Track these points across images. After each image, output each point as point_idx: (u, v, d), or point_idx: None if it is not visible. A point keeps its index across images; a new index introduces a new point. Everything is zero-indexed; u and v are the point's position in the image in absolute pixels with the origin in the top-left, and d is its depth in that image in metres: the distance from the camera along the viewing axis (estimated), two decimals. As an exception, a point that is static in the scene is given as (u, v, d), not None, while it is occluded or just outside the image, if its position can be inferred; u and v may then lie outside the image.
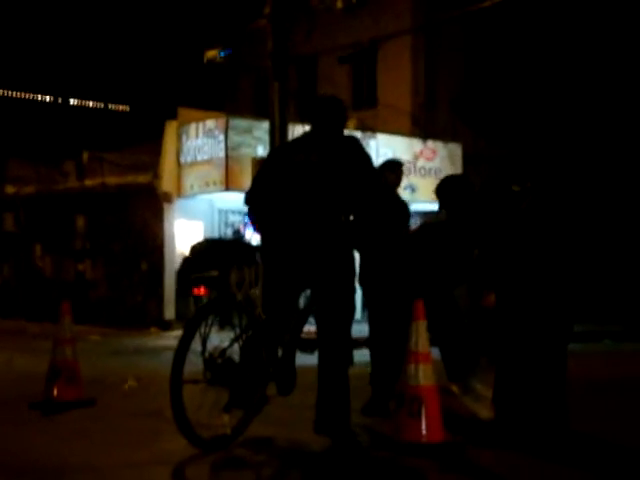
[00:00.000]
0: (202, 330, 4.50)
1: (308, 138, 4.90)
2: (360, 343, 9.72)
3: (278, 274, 4.71)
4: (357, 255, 5.26)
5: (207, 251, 4.89)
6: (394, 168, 6.23)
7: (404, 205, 6.15)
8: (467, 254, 5.82)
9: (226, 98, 21.98)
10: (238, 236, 13.79)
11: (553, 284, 5.00)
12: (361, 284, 5.92)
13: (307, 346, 4.89)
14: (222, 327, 4.90)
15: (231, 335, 4.67)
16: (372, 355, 5.91)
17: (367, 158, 4.79)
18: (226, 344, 4.58)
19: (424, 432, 4.46)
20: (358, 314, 17.09)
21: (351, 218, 4.85)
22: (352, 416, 4.76)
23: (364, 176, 4.73)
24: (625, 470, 4.34)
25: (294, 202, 4.68)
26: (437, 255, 5.89)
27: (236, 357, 4.61)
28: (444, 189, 5.98)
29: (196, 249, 4.90)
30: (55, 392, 5.93)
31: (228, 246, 5.10)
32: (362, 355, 6.31)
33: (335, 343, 4.68)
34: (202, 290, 5.42)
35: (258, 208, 4.84)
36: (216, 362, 4.50)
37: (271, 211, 4.77)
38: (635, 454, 4.65)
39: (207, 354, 4.50)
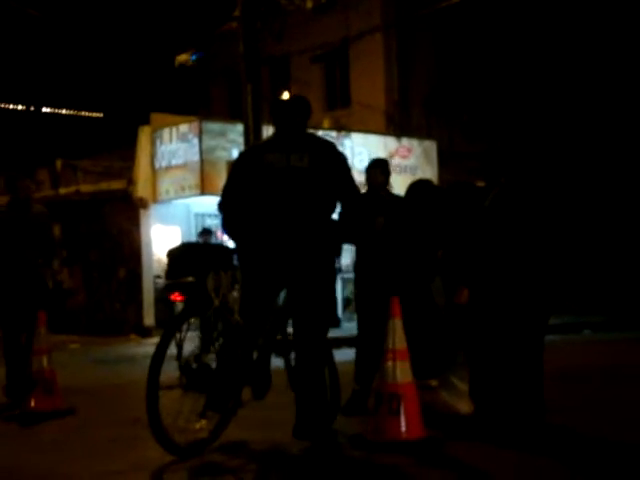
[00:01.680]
0: (178, 336, 4.47)
1: (282, 140, 4.85)
2: (340, 342, 9.72)
3: (255, 277, 4.68)
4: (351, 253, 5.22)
5: (183, 256, 4.86)
6: (382, 166, 6.25)
7: (399, 199, 6.17)
8: (434, 252, 5.89)
9: (199, 102, 21.91)
10: (205, 238, 13.70)
11: (524, 277, 5.01)
12: (355, 284, 6.08)
13: (282, 349, 4.85)
14: (202, 333, 4.87)
15: (206, 340, 4.63)
16: (358, 353, 5.93)
17: (345, 162, 4.81)
18: (201, 349, 4.55)
19: (403, 429, 4.46)
20: (339, 314, 16.94)
21: (336, 220, 4.83)
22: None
23: (343, 180, 4.74)
24: (598, 460, 4.37)
25: (271, 204, 4.65)
26: (406, 251, 5.93)
27: (211, 362, 4.58)
28: (412, 193, 6.11)
29: (172, 254, 4.87)
30: (32, 403, 5.88)
31: (205, 251, 5.08)
32: (343, 354, 6.31)
33: (312, 346, 4.65)
34: (178, 296, 5.39)
35: (232, 214, 4.79)
36: (191, 367, 4.48)
37: (248, 214, 4.73)
38: (610, 444, 4.68)
39: (183, 360, 4.47)
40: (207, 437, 4.59)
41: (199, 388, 4.50)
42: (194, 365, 4.49)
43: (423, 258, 5.96)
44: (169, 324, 4.65)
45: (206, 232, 14.08)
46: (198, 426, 4.54)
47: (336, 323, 4.98)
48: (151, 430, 4.33)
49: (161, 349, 4.36)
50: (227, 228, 4.84)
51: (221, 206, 4.84)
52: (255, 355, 4.71)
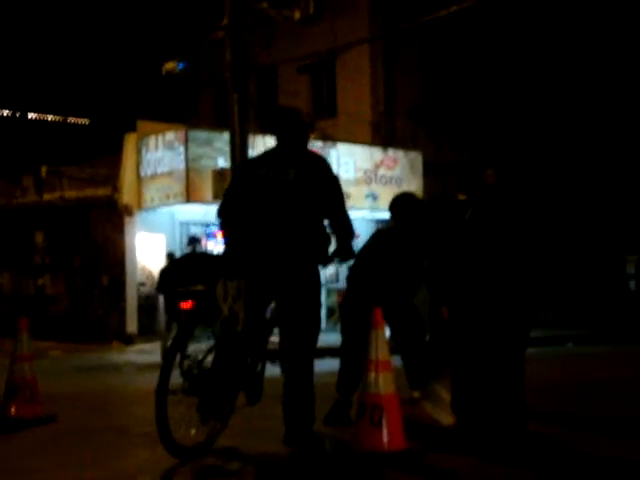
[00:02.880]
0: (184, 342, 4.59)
1: (278, 154, 4.95)
2: (323, 352, 9.72)
3: (254, 286, 4.75)
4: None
5: (194, 265, 4.97)
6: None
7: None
8: (418, 263, 5.95)
9: (186, 110, 21.92)
10: (193, 246, 13.73)
11: (504, 289, 5.05)
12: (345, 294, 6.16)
13: (275, 357, 4.94)
14: (208, 339, 4.95)
15: (204, 346, 4.70)
16: (341, 364, 5.96)
17: (335, 180, 4.89)
18: (203, 355, 4.65)
19: (385, 440, 4.48)
20: (323, 324, 17.05)
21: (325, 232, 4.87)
22: (315, 425, 4.78)
23: (329, 195, 4.82)
24: (579, 472, 4.40)
25: (256, 216, 4.76)
26: (390, 262, 5.98)
27: (211, 368, 4.66)
28: (395, 206, 6.16)
29: (182, 263, 4.97)
30: (13, 410, 5.84)
31: (214, 260, 5.17)
32: (323, 364, 6.32)
33: (298, 355, 4.73)
34: (189, 304, 5.49)
35: (229, 222, 4.90)
36: (193, 372, 4.57)
37: (240, 225, 4.82)
38: (589, 456, 4.71)
39: (185, 365, 4.57)
40: (205, 441, 4.68)
41: (200, 393, 4.60)
42: (195, 371, 4.59)
43: (408, 270, 6.01)
44: (179, 331, 4.72)
45: (194, 240, 14.07)
46: (197, 430, 4.62)
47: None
48: (158, 432, 4.39)
49: (171, 355, 4.49)
50: (224, 235, 4.95)
51: (219, 212, 4.98)
52: (249, 361, 4.81)
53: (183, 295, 5.19)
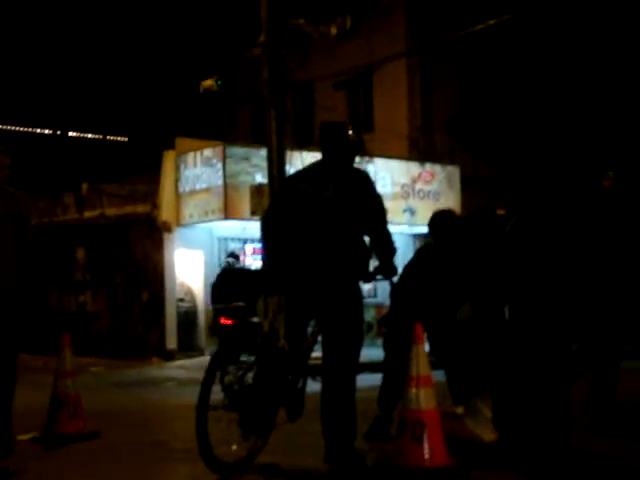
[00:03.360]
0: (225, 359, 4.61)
1: (320, 169, 4.94)
2: (361, 367, 9.66)
3: (294, 302, 4.76)
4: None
5: (234, 281, 4.99)
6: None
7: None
8: (459, 280, 5.90)
9: (224, 127, 22.11)
10: (232, 261, 13.79)
11: (547, 304, 4.99)
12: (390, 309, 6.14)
13: (316, 373, 4.92)
14: (247, 354, 4.97)
15: (249, 362, 4.73)
16: (384, 379, 5.94)
17: (377, 196, 4.87)
18: (244, 371, 4.67)
19: (427, 457, 4.43)
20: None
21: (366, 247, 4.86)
22: (356, 441, 4.76)
23: (369, 212, 4.80)
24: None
25: (304, 233, 4.75)
26: (433, 278, 5.94)
27: (252, 384, 4.67)
28: (434, 223, 6.14)
29: (221, 280, 4.99)
30: (57, 425, 5.91)
31: (254, 276, 5.18)
32: (364, 380, 6.29)
33: (340, 372, 4.69)
34: (229, 320, 5.51)
35: (270, 237, 4.91)
36: (233, 388, 4.59)
37: (281, 240, 4.82)
38: (633, 473, 4.62)
39: (226, 381, 4.59)
40: (246, 457, 4.69)
41: (240, 409, 4.60)
42: (236, 386, 4.60)
43: (450, 286, 5.96)
44: (220, 346, 4.74)
45: (233, 256, 14.17)
46: (238, 446, 4.64)
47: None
48: (199, 447, 4.40)
49: (212, 370, 4.52)
50: (265, 251, 4.96)
51: (262, 226, 5.03)
52: (290, 377, 4.80)
53: (223, 311, 5.23)
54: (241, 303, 4.91)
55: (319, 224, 4.71)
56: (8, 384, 5.21)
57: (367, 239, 4.86)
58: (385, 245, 4.84)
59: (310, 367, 4.94)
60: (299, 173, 5.19)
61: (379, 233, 4.82)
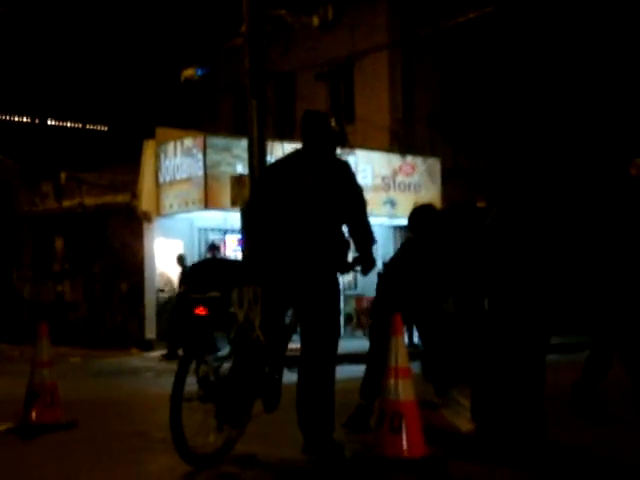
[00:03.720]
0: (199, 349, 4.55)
1: (300, 158, 4.91)
2: (340, 359, 9.69)
3: (271, 293, 4.73)
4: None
5: (208, 270, 4.94)
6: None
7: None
8: (441, 273, 5.93)
9: (204, 117, 22.00)
10: (213, 253, 13.74)
11: (524, 296, 5.03)
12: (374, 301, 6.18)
13: (292, 364, 4.90)
14: (223, 346, 4.93)
15: (224, 353, 4.69)
16: (367, 369, 5.95)
17: (357, 187, 4.85)
18: (219, 362, 4.62)
19: (405, 447, 4.45)
20: (341, 330, 16.91)
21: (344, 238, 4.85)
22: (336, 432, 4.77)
23: (354, 203, 4.78)
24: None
25: (284, 222, 4.72)
26: (417, 271, 5.96)
27: (227, 375, 4.63)
28: (414, 218, 6.16)
29: (197, 269, 4.95)
30: (33, 415, 5.87)
31: (229, 266, 5.15)
32: (344, 371, 6.31)
33: (317, 363, 4.68)
34: (203, 310, 5.45)
35: (249, 226, 4.89)
36: (209, 380, 4.54)
37: (262, 230, 4.81)
38: (608, 463, 4.67)
39: (201, 372, 4.53)
40: (221, 449, 4.66)
41: (216, 400, 4.57)
42: (212, 377, 4.56)
43: (433, 279, 5.98)
44: (193, 337, 4.71)
45: (213, 247, 14.13)
46: (214, 438, 4.60)
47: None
48: (173, 440, 4.38)
49: (185, 361, 4.47)
50: (245, 241, 4.96)
51: (246, 212, 5.03)
52: (267, 368, 4.78)
53: (197, 301, 5.17)
54: (215, 293, 4.83)
55: (298, 214, 4.69)
56: None
57: (346, 230, 4.85)
58: (364, 236, 4.83)
59: (287, 358, 4.93)
60: (279, 162, 5.17)
61: (358, 223, 4.82)
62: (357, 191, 4.83)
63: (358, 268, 4.89)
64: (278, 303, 4.76)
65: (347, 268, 4.85)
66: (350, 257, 4.86)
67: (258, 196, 4.96)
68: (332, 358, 4.77)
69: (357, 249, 4.88)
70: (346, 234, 4.83)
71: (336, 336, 4.79)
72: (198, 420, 4.49)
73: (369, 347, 6.05)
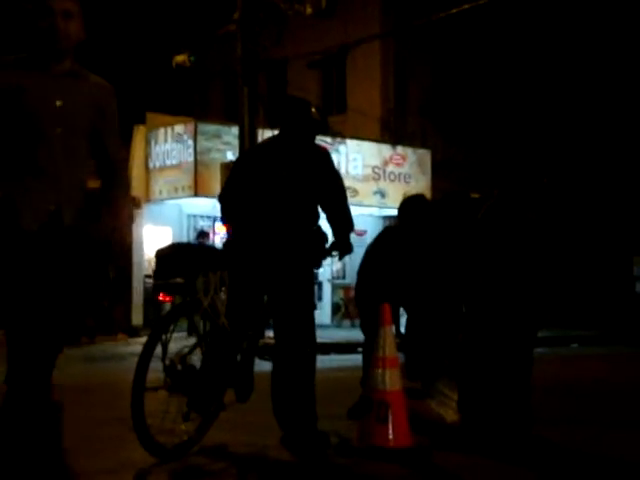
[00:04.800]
0: (164, 337, 4.42)
1: (277, 144, 4.85)
2: (328, 348, 9.70)
3: (241, 279, 4.69)
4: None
5: (173, 257, 4.83)
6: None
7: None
8: (426, 263, 5.91)
9: (195, 103, 21.92)
10: (202, 240, 13.71)
11: (514, 289, 5.04)
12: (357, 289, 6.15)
13: (266, 353, 4.84)
14: (189, 334, 4.86)
15: (192, 341, 4.61)
16: (364, 359, 5.94)
17: (336, 175, 4.82)
18: (187, 350, 4.52)
19: (391, 437, 4.47)
20: (328, 320, 16.95)
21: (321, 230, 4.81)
22: (333, 421, 4.70)
23: (331, 190, 4.75)
24: (582, 474, 4.38)
25: (259, 210, 4.67)
26: (398, 260, 5.95)
27: (197, 364, 4.55)
28: (404, 208, 6.14)
29: (161, 254, 4.83)
30: (19, 399, 5.83)
31: (194, 251, 5.04)
32: (330, 360, 6.31)
33: (289, 353, 4.62)
34: (166, 296, 5.34)
35: (229, 210, 4.83)
36: (176, 368, 4.44)
37: (237, 217, 4.76)
38: (593, 458, 4.70)
39: (168, 360, 4.43)
40: (190, 439, 4.57)
41: (184, 390, 4.48)
42: (179, 366, 4.45)
43: (417, 268, 5.97)
44: (156, 324, 4.62)
45: (202, 234, 14.10)
46: (182, 428, 4.52)
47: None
48: (135, 431, 4.31)
49: (148, 349, 4.33)
50: (224, 221, 4.89)
51: (220, 198, 4.90)
52: (239, 358, 4.71)
53: (162, 288, 5.05)
54: (179, 279, 4.70)
55: (273, 202, 4.63)
56: None
57: (324, 217, 4.81)
58: (342, 222, 4.79)
59: (260, 347, 4.86)
60: (256, 148, 5.10)
61: (336, 210, 4.77)
62: (334, 178, 4.78)
63: (335, 253, 4.85)
64: (250, 291, 4.67)
65: (324, 255, 4.81)
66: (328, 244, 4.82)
67: (233, 182, 4.87)
68: (306, 348, 4.68)
69: (334, 235, 4.83)
70: (322, 227, 4.77)
71: (308, 327, 4.70)
72: (164, 410, 4.38)
73: (364, 339, 6.04)
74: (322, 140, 14.47)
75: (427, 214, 6.10)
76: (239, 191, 4.77)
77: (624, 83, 19.44)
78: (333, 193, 4.77)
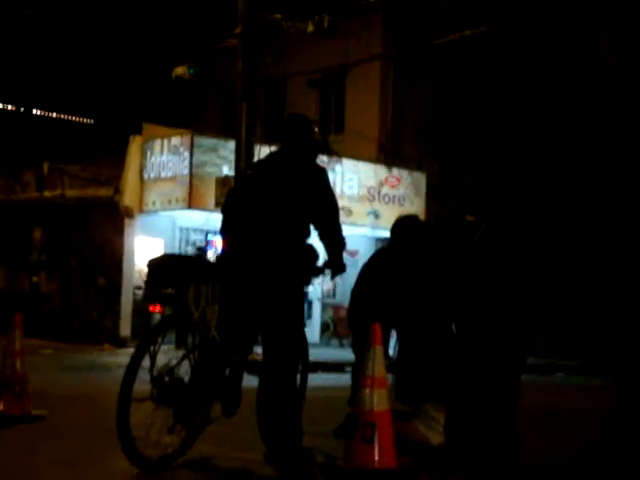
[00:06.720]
0: (152, 348, 4.39)
1: (277, 160, 4.86)
2: (316, 367, 9.66)
3: (232, 293, 4.66)
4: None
5: (165, 267, 4.80)
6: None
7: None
8: (417, 285, 5.89)
9: (193, 116, 21.93)
10: (200, 253, 13.69)
11: (505, 315, 5.03)
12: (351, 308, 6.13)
13: (254, 368, 4.81)
14: (178, 346, 4.83)
15: (180, 353, 4.58)
16: (353, 379, 5.90)
17: (331, 193, 4.81)
18: (175, 362, 4.49)
19: (376, 458, 4.42)
20: (316, 338, 16.92)
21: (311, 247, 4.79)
22: (319, 439, 4.66)
23: (325, 208, 4.75)
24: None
25: (252, 225, 4.67)
26: (390, 281, 5.93)
27: (184, 376, 4.52)
28: (397, 228, 6.11)
29: (153, 264, 4.81)
30: (1, 406, 5.78)
31: (186, 263, 5.02)
32: (317, 379, 6.27)
33: (276, 371, 4.59)
34: (157, 307, 5.31)
35: (228, 223, 4.83)
36: (163, 380, 4.41)
37: (233, 230, 4.76)
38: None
39: (155, 372, 4.40)
40: (175, 452, 4.54)
41: (170, 402, 4.44)
42: (166, 378, 4.42)
43: (414, 292, 5.95)
44: (146, 335, 4.58)
45: (200, 251, 14.10)
46: (167, 440, 4.48)
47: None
48: (120, 441, 4.26)
49: (136, 360, 4.30)
50: (223, 233, 4.88)
51: (222, 210, 4.93)
52: (227, 371, 4.68)
53: (152, 298, 5.02)
54: (170, 290, 4.67)
55: (266, 217, 4.63)
56: None
57: (317, 236, 4.80)
58: (334, 240, 4.78)
59: (249, 363, 4.83)
60: (257, 163, 5.14)
61: (329, 228, 4.77)
62: (329, 196, 4.78)
63: (328, 272, 4.84)
64: (241, 305, 4.66)
65: (316, 273, 4.80)
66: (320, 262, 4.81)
67: (233, 195, 4.93)
68: (292, 367, 4.65)
69: (327, 253, 4.83)
70: (314, 245, 4.76)
71: (296, 346, 4.68)
72: (150, 422, 4.36)
73: (354, 358, 6.00)
74: (319, 159, 14.49)
75: (419, 235, 6.08)
76: (237, 205, 4.78)
77: (619, 108, 19.56)
78: (326, 211, 4.77)
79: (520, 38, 18.50)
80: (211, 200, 14.16)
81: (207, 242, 16.05)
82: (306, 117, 5.12)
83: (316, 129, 4.90)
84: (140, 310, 15.32)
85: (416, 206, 16.82)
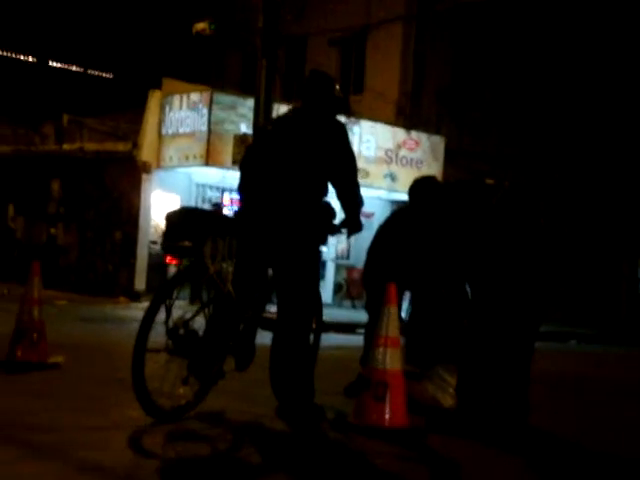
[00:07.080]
0: (168, 300, 4.42)
1: (298, 117, 4.84)
2: (328, 327, 9.70)
3: (248, 249, 4.68)
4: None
5: (183, 220, 4.82)
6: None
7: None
8: (435, 246, 5.87)
9: (212, 72, 21.81)
10: (217, 209, 13.74)
11: (521, 281, 5.03)
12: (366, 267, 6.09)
13: (268, 324, 4.83)
14: (192, 300, 4.86)
15: (194, 308, 4.61)
16: (366, 338, 5.94)
17: (350, 152, 4.78)
18: (190, 315, 4.53)
19: (387, 416, 4.46)
20: (329, 299, 16.94)
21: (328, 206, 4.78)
22: (330, 397, 4.70)
23: (344, 166, 4.72)
24: (571, 464, 4.40)
25: (269, 181, 4.66)
26: (408, 241, 5.91)
27: (199, 328, 4.56)
28: (416, 189, 6.06)
29: (171, 217, 4.82)
30: (19, 353, 5.86)
31: (204, 216, 5.03)
32: (329, 339, 6.31)
33: (290, 327, 4.62)
34: (174, 259, 5.33)
35: (245, 179, 4.82)
36: (178, 332, 4.45)
37: (251, 187, 4.75)
38: (584, 451, 4.71)
39: (171, 323, 4.44)
40: (188, 403, 4.60)
41: (185, 354, 4.48)
42: (182, 330, 4.45)
43: (426, 251, 5.93)
44: (161, 287, 4.61)
45: (217, 206, 14.13)
46: (181, 391, 4.54)
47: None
48: (134, 391, 4.32)
49: (152, 311, 4.33)
50: (240, 189, 4.87)
51: (240, 166, 4.92)
52: (241, 326, 4.71)
53: (169, 249, 5.02)
54: (187, 243, 4.67)
55: (283, 173, 4.61)
56: None
57: (334, 193, 4.77)
58: (352, 199, 4.76)
59: (264, 319, 4.85)
60: (277, 119, 5.11)
61: (347, 186, 4.74)
62: (348, 154, 4.75)
63: (344, 231, 4.83)
64: (256, 261, 4.68)
65: (332, 231, 4.80)
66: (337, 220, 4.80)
67: (252, 151, 4.90)
68: (307, 324, 4.69)
69: (344, 212, 4.81)
70: (331, 203, 4.75)
71: (311, 302, 4.71)
72: (165, 373, 4.39)
73: (368, 318, 6.03)
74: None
75: (437, 196, 6.04)
76: (256, 161, 4.77)
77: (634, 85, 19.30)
78: (345, 169, 4.74)
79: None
80: (228, 158, 14.14)
81: (222, 199, 16.07)
82: (328, 74, 5.08)
83: (337, 86, 4.88)
84: (155, 264, 15.41)
85: (433, 170, 16.72)
